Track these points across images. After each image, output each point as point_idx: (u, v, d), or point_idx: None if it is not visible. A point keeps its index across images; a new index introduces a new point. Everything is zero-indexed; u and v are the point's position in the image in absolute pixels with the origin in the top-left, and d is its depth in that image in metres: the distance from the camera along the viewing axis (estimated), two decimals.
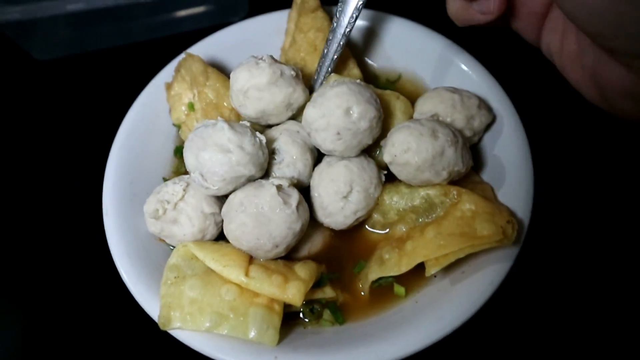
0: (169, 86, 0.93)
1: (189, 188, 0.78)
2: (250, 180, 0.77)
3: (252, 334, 0.68)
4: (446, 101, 0.83)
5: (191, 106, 0.90)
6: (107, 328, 0.89)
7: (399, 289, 0.76)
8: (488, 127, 0.87)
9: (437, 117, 0.83)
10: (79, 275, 0.95)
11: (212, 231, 0.79)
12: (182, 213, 0.77)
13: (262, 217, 0.72)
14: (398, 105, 0.86)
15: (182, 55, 0.94)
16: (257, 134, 0.77)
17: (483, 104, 0.85)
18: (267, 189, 0.73)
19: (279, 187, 0.74)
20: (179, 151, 0.92)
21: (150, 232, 0.80)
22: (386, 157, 0.78)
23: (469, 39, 0.95)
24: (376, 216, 0.82)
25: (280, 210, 0.72)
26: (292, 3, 1.00)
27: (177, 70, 0.93)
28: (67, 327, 0.90)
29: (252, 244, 0.74)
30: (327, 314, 0.76)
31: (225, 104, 0.89)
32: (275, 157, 0.81)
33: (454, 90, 0.85)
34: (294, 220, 0.74)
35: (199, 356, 0.70)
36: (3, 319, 0.94)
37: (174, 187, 0.78)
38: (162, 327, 0.69)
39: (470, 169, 0.82)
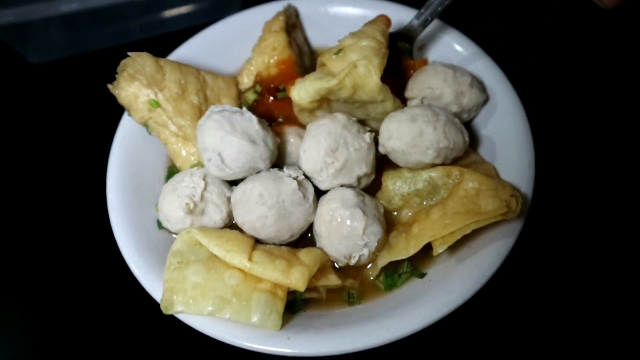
0: (115, 88, 0.87)
1: (207, 177, 0.80)
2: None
3: (254, 319, 0.68)
4: (439, 74, 0.86)
5: (154, 103, 0.86)
6: (117, 320, 0.89)
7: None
8: (482, 106, 0.89)
9: (428, 93, 0.86)
10: (86, 269, 0.95)
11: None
12: (208, 202, 0.78)
13: (284, 211, 0.74)
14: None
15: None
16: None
17: (476, 83, 0.87)
18: (288, 183, 0.75)
19: (298, 182, 0.76)
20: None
21: (173, 230, 0.80)
22: (380, 149, 0.82)
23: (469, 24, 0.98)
24: (381, 203, 0.82)
25: (300, 204, 0.75)
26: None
27: (122, 70, 0.86)
28: (78, 323, 0.90)
29: (271, 235, 0.76)
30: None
31: (189, 89, 0.88)
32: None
33: (450, 66, 0.88)
34: (311, 213, 0.77)
35: (211, 342, 0.70)
36: (12, 314, 0.93)
37: (193, 179, 0.79)
38: (164, 311, 0.70)
39: (468, 149, 0.84)
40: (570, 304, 0.87)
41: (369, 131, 0.81)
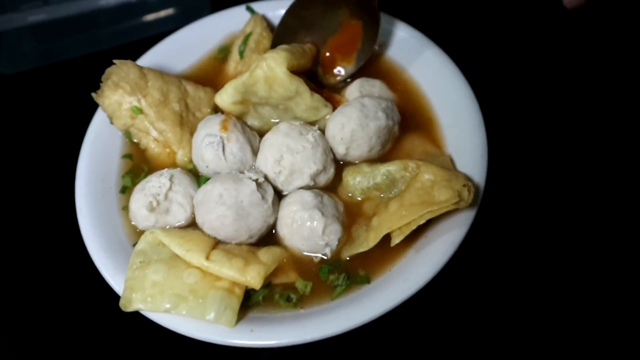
0: (99, 97, 0.89)
1: (174, 178, 0.82)
2: None
3: (209, 316, 0.69)
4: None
5: (136, 110, 0.89)
6: (88, 320, 0.92)
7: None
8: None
9: None
10: (56, 272, 0.97)
11: None
12: (173, 202, 0.81)
13: (242, 211, 0.76)
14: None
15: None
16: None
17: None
18: (247, 184, 0.77)
19: (258, 183, 0.78)
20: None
21: (141, 228, 0.82)
22: (341, 150, 0.83)
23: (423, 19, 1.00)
24: (343, 198, 0.85)
25: (258, 205, 0.77)
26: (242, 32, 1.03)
27: (106, 78, 0.89)
28: (50, 324, 0.92)
29: (229, 235, 0.77)
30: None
31: (170, 97, 0.91)
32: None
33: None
34: (270, 215, 0.79)
35: (181, 340, 0.72)
36: None
37: (160, 179, 0.82)
38: (122, 309, 0.72)
39: (427, 142, 0.88)
40: (524, 291, 0.91)
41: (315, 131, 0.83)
